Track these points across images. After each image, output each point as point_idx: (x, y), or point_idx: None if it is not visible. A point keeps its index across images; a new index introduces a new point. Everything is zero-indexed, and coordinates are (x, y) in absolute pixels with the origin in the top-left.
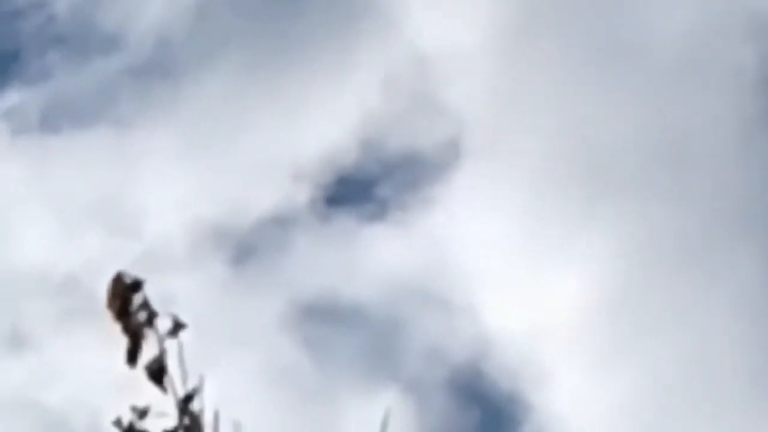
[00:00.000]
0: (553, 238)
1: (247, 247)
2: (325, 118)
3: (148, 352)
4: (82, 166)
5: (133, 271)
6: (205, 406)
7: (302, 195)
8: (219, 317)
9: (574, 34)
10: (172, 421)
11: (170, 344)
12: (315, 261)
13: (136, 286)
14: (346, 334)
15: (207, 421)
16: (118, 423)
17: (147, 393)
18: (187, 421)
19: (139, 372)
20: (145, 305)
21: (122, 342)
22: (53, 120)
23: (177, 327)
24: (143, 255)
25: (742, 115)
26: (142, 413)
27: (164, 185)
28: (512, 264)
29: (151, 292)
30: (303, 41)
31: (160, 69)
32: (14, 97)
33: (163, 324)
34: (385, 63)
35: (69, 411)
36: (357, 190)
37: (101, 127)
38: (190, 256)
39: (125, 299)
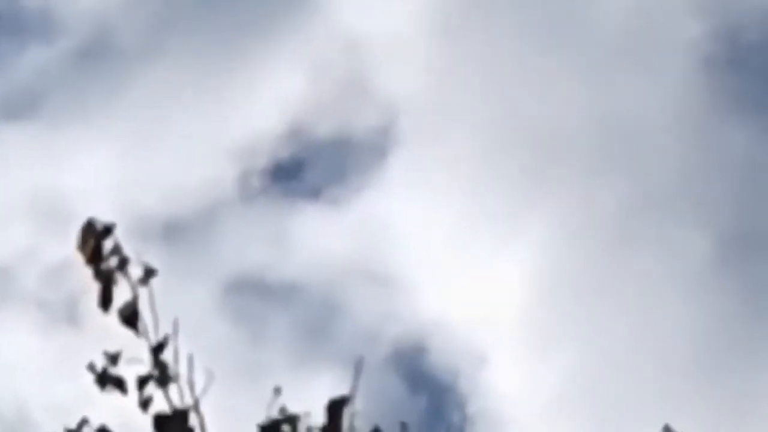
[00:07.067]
0: (492, 222)
1: (180, 230)
2: (257, 102)
3: (119, 298)
4: (13, 155)
5: (65, 260)
6: (179, 351)
7: (234, 179)
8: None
9: (514, 14)
10: (144, 367)
11: (141, 291)
12: (247, 242)
13: (107, 231)
14: (282, 314)
15: (180, 367)
16: (91, 368)
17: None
18: (159, 368)
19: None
20: (117, 250)
21: (94, 288)
22: None
23: (148, 273)
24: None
25: (688, 93)
26: (114, 359)
27: (96, 170)
28: (450, 247)
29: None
30: (234, 25)
31: (96, 55)
32: None
33: (134, 271)
34: (317, 46)
35: None
36: (289, 174)
37: (33, 115)
38: (122, 240)
39: (97, 245)
